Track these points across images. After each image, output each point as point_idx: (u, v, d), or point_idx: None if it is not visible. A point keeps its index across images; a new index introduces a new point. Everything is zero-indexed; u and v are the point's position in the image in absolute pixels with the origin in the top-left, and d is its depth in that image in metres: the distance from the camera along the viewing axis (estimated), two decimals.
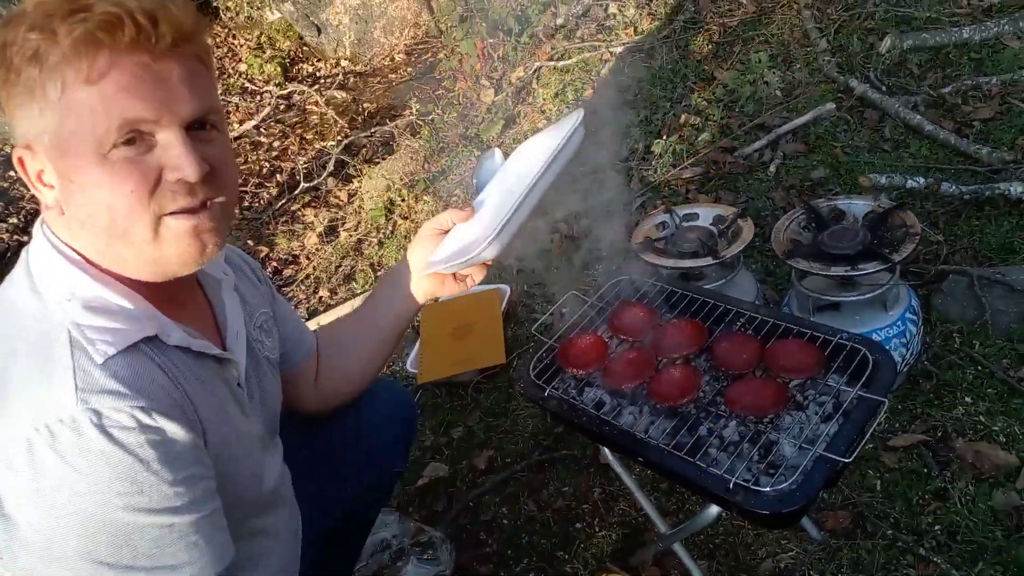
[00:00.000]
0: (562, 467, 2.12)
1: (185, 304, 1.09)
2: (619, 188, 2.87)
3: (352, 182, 4.21)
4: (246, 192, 4.35)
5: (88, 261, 0.97)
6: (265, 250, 3.92)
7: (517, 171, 1.39)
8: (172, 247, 0.96)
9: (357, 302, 3.12)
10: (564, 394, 1.52)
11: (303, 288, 3.57)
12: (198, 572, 0.94)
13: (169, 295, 1.03)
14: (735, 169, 3.01)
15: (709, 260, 1.97)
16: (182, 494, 0.91)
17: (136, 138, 0.90)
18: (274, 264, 3.83)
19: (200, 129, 0.96)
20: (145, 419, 0.88)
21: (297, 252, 3.86)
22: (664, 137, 3.25)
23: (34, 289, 0.95)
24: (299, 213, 4.14)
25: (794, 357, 1.43)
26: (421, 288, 1.41)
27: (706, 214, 2.18)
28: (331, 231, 3.88)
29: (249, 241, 3.98)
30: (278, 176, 4.51)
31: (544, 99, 3.91)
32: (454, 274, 1.39)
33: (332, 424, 1.52)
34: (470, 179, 3.49)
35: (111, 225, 0.93)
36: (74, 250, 0.97)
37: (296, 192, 4.25)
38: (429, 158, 3.92)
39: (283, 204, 4.25)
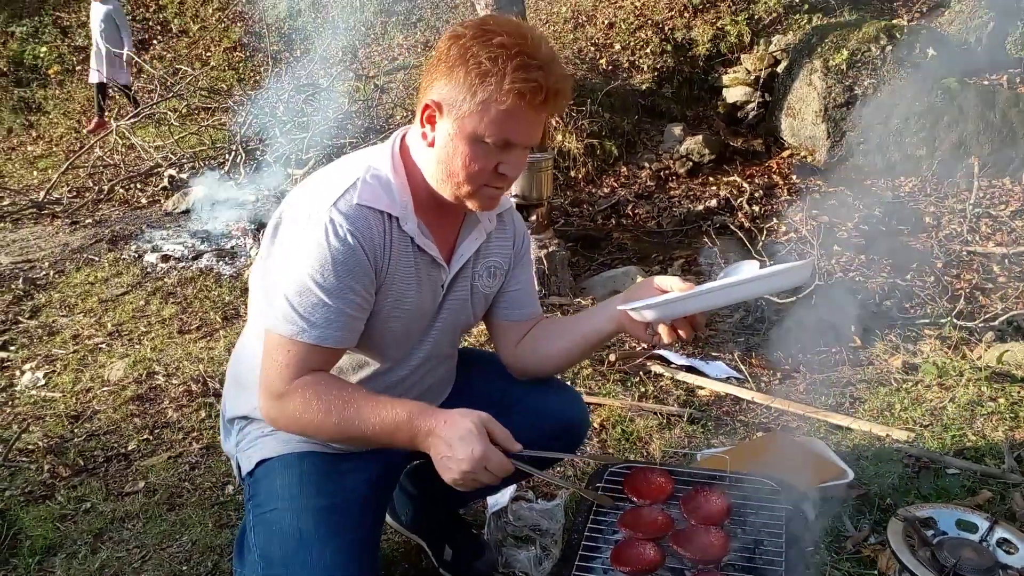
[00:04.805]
0: None
1: (442, 220, 1.56)
2: None
3: None
4: None
5: (409, 168, 1.49)
6: None
7: (735, 283, 1.49)
8: (478, 201, 1.48)
9: None
10: None
11: None
12: (321, 332, 1.41)
13: (438, 208, 1.51)
14: None
15: None
16: (337, 286, 1.40)
17: (505, 146, 1.41)
18: None
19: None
20: (350, 240, 1.39)
21: None
22: None
23: (365, 157, 1.52)
24: None
25: None
26: (615, 319, 1.63)
27: None
28: None
29: None
30: None
31: None
32: (646, 325, 1.56)
33: (508, 387, 1.77)
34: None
35: (454, 173, 1.44)
36: (412, 161, 1.49)
37: None
38: None
39: None
